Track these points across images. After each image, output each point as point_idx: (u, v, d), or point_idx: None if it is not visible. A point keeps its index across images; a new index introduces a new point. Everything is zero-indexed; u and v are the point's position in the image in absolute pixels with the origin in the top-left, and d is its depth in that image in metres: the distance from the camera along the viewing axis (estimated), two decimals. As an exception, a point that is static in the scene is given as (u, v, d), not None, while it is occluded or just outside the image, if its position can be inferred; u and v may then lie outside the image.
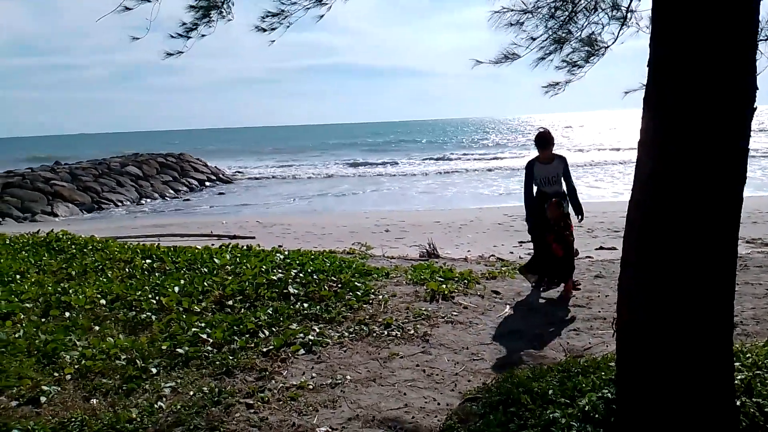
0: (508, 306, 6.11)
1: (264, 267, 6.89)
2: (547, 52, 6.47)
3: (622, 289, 3.02)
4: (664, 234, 2.69)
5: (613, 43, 6.40)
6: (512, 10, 6.14)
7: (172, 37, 5.19)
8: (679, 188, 2.64)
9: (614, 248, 10.12)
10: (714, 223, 2.64)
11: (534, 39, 6.33)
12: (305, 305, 5.77)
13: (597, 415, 3.14)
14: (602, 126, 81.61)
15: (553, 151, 6.69)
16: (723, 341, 2.76)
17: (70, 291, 6.23)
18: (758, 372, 3.26)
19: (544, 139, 6.62)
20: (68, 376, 4.38)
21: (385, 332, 5.27)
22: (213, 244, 9.35)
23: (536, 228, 6.72)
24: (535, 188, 6.73)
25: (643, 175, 2.84)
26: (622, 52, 6.69)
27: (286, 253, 7.88)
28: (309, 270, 6.73)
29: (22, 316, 5.61)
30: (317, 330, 5.24)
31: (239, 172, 38.59)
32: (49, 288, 6.40)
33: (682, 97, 2.61)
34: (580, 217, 6.60)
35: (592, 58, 6.60)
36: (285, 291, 6.11)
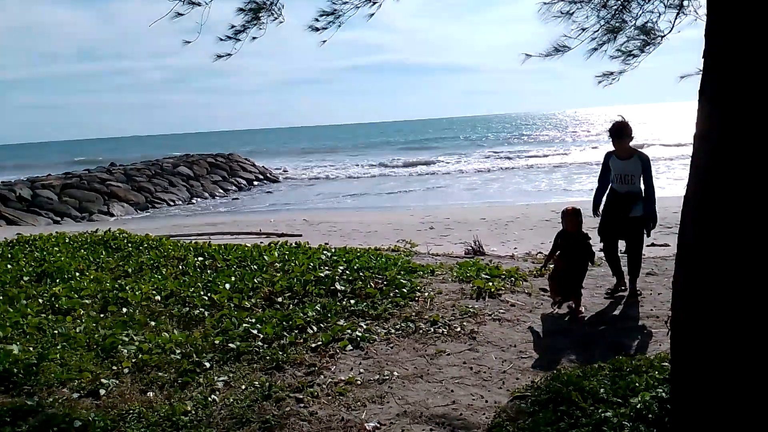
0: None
1: (311, 264, 6.99)
2: (600, 42, 6.29)
3: (677, 287, 2.94)
4: (722, 230, 2.61)
5: (670, 32, 6.20)
6: (562, 0, 6.03)
7: (222, 39, 5.32)
8: (738, 183, 2.55)
9: (667, 245, 9.83)
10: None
11: (584, 30, 6.20)
12: (352, 302, 5.82)
13: (650, 415, 3.08)
14: (654, 118, 79.30)
15: (633, 147, 6.07)
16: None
17: (127, 287, 6.46)
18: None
19: (617, 130, 5.98)
20: (126, 370, 4.55)
21: (432, 329, 5.27)
22: (262, 242, 9.52)
23: (602, 231, 6.23)
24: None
25: (699, 169, 2.76)
26: (671, 43, 6.49)
27: (333, 250, 7.97)
28: (355, 267, 6.79)
29: (82, 311, 5.85)
30: (364, 326, 5.28)
31: (286, 171, 39.14)
32: (107, 285, 6.65)
33: (742, 86, 2.52)
34: (651, 226, 5.98)
35: (647, 47, 6.40)
36: (332, 288, 6.18)
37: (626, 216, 5.99)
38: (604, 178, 6.25)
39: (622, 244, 6.36)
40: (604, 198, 6.27)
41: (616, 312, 5.80)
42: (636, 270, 6.20)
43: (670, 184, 21.01)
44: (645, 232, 6.04)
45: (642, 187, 6.02)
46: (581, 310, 5.70)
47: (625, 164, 6.02)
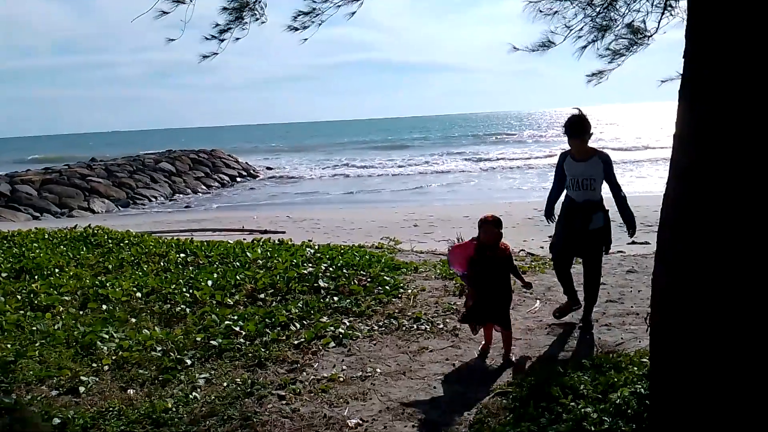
0: (538, 301, 6.06)
1: (295, 261, 6.97)
2: (589, 40, 6.37)
3: (656, 285, 2.98)
4: (701, 230, 2.64)
5: (656, 32, 6.29)
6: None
7: (207, 39, 5.29)
8: (717, 183, 2.59)
9: (647, 243, 9.94)
10: (753, 218, 2.58)
11: (570, 28, 6.26)
12: (335, 299, 5.82)
13: (629, 411, 3.12)
14: (638, 119, 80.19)
15: (592, 146, 5.16)
16: (761, 338, 2.70)
17: (107, 284, 6.39)
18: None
19: (575, 125, 5.04)
20: (106, 367, 4.51)
21: (415, 326, 5.29)
22: (245, 239, 9.47)
23: (556, 246, 5.39)
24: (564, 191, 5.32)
25: (678, 170, 2.79)
26: (655, 44, 6.57)
27: (317, 247, 7.96)
28: (339, 264, 6.78)
29: (61, 308, 5.78)
30: (347, 323, 5.28)
31: (270, 168, 38.94)
32: (87, 281, 6.57)
33: (721, 88, 2.56)
34: (631, 231, 5.16)
35: (634, 46, 6.47)
36: (315, 285, 6.17)
37: (585, 229, 5.09)
38: (560, 181, 5.33)
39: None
40: (559, 207, 5.39)
41: (596, 309, 5.85)
42: (594, 295, 5.29)
43: (654, 183, 21.25)
44: (605, 248, 5.21)
45: (601, 194, 5.15)
46: (511, 354, 4.67)
47: (583, 167, 5.10)
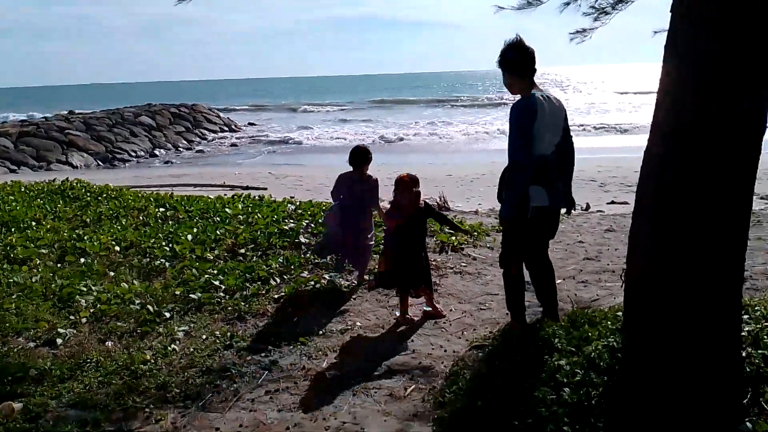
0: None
1: (276, 217, 6.93)
2: None
3: (633, 239, 3.01)
4: (681, 186, 2.65)
5: None
6: None
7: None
8: (699, 140, 2.59)
9: (626, 203, 10.04)
10: (732, 175, 2.60)
11: None
12: (316, 254, 5.81)
13: (602, 363, 3.18)
14: (622, 78, 79.96)
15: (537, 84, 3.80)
16: (732, 294, 2.75)
17: (85, 238, 6.33)
18: (766, 324, 3.26)
19: (502, 54, 3.71)
20: (84, 320, 4.50)
21: (395, 282, 5.31)
22: (226, 194, 9.40)
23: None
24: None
25: (662, 127, 2.78)
26: (647, 2, 6.48)
27: (298, 203, 7.91)
28: (320, 220, 6.76)
29: (39, 261, 5.73)
30: (327, 278, 5.29)
31: (253, 123, 38.39)
32: (65, 234, 6.50)
33: (709, 43, 2.53)
34: (502, 220, 3.87)
35: (620, 4, 6.37)
36: (296, 240, 6.17)
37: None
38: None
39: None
40: None
41: (573, 266, 5.93)
42: (550, 299, 4.08)
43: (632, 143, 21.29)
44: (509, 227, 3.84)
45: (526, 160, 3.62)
46: (438, 308, 4.66)
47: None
